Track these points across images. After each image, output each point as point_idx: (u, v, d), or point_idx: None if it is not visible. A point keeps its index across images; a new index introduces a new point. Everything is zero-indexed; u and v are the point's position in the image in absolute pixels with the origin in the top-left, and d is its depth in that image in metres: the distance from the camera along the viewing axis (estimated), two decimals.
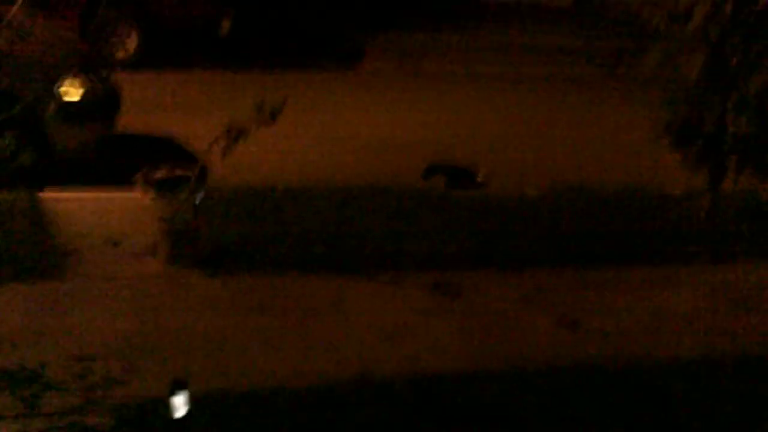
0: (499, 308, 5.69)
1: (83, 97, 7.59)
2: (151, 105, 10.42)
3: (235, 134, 6.08)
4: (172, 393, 3.73)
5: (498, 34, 16.44)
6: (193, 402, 3.77)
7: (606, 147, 10.04)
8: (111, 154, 7.73)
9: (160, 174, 7.00)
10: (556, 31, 17.17)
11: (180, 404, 3.72)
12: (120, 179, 7.35)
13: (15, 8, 5.44)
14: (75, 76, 7.61)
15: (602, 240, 6.73)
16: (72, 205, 6.97)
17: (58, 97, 7.42)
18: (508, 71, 14.24)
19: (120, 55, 12.28)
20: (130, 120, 8.57)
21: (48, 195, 7.05)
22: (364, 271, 6.05)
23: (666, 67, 7.03)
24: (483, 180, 7.97)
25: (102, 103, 7.80)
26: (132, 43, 12.41)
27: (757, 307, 5.91)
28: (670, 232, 6.93)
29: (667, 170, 7.62)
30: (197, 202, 6.20)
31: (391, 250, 6.34)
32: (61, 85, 7.50)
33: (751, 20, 6.63)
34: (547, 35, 16.72)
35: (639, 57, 7.24)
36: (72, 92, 7.59)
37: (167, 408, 3.71)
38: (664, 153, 7.16)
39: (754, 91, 6.42)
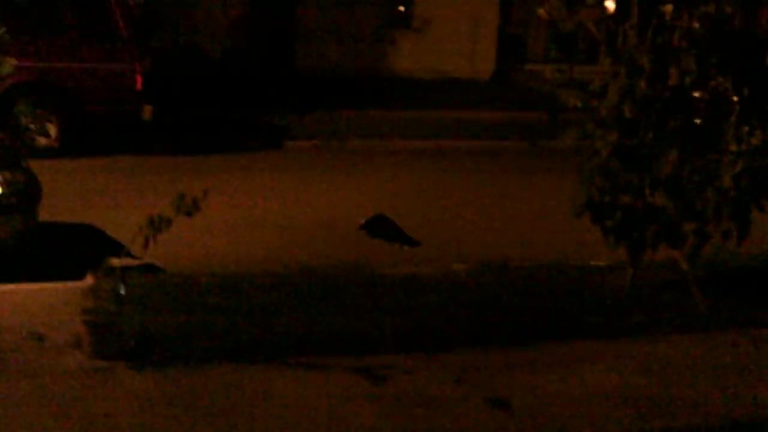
0: (427, 391, 5.67)
1: (3, 188, 7.49)
2: (74, 193, 10.33)
3: (158, 223, 6.05)
4: None
5: (420, 110, 16.68)
6: None
7: (530, 221, 10.18)
8: (33, 245, 7.62)
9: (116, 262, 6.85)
10: (476, 104, 17.49)
11: None
12: (42, 271, 7.25)
13: None
14: None
15: (529, 316, 6.77)
16: None
17: None
18: (431, 146, 14.42)
19: (42, 143, 12.21)
20: (53, 210, 8.48)
21: None
22: (292, 357, 6.00)
23: (583, 142, 7.18)
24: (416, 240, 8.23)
25: (23, 193, 7.70)
26: (53, 131, 12.34)
27: (682, 380, 5.96)
28: (594, 306, 7.00)
29: (590, 243, 7.75)
30: (121, 292, 6.12)
31: (319, 335, 6.30)
32: None
33: (665, 97, 6.81)
34: (467, 109, 17.02)
35: (557, 132, 7.38)
36: None
37: None
38: (586, 226, 7.28)
39: (669, 168, 6.57)
